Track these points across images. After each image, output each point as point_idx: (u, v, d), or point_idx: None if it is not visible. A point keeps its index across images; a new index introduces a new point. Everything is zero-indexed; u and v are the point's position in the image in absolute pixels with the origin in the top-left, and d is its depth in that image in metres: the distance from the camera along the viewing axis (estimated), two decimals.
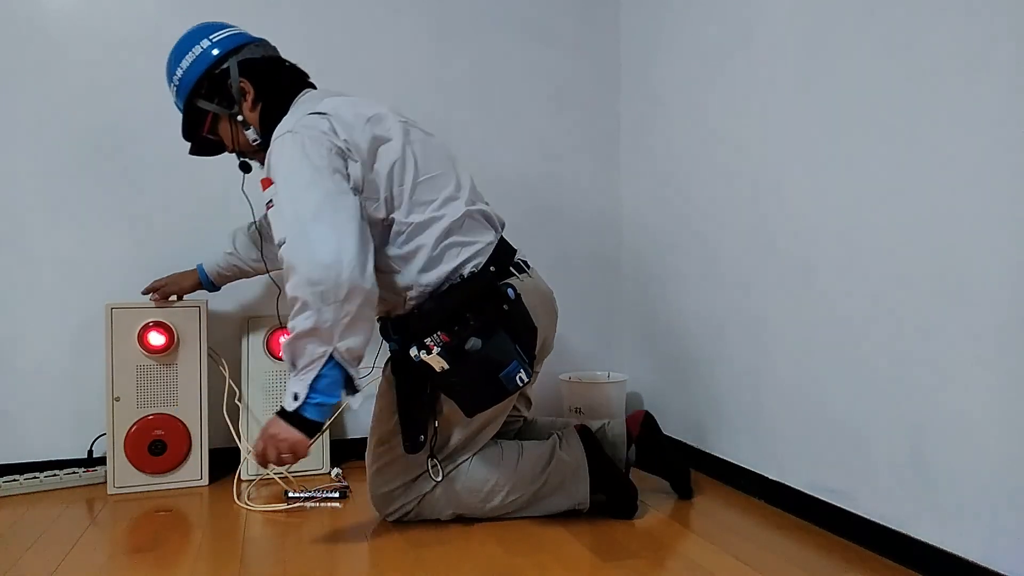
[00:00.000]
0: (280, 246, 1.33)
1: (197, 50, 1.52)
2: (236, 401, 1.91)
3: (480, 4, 2.22)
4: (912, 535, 1.29)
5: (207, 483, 1.84)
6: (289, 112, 1.49)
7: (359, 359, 1.37)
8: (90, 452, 1.89)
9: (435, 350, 1.36)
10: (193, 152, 1.66)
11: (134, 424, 1.79)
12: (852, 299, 1.41)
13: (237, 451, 1.88)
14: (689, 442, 1.97)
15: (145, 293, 1.83)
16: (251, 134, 1.54)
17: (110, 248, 1.93)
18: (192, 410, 1.84)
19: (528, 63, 2.26)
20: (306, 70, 2.04)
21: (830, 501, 1.48)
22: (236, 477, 1.85)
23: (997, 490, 1.15)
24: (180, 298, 1.86)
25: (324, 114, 1.41)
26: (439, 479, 1.50)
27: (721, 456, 1.83)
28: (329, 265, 1.29)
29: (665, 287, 2.08)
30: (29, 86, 1.86)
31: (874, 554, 1.37)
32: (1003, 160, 1.13)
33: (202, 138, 1.61)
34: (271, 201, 1.37)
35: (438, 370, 1.37)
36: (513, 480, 1.52)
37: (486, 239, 1.51)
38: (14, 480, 1.78)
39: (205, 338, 1.86)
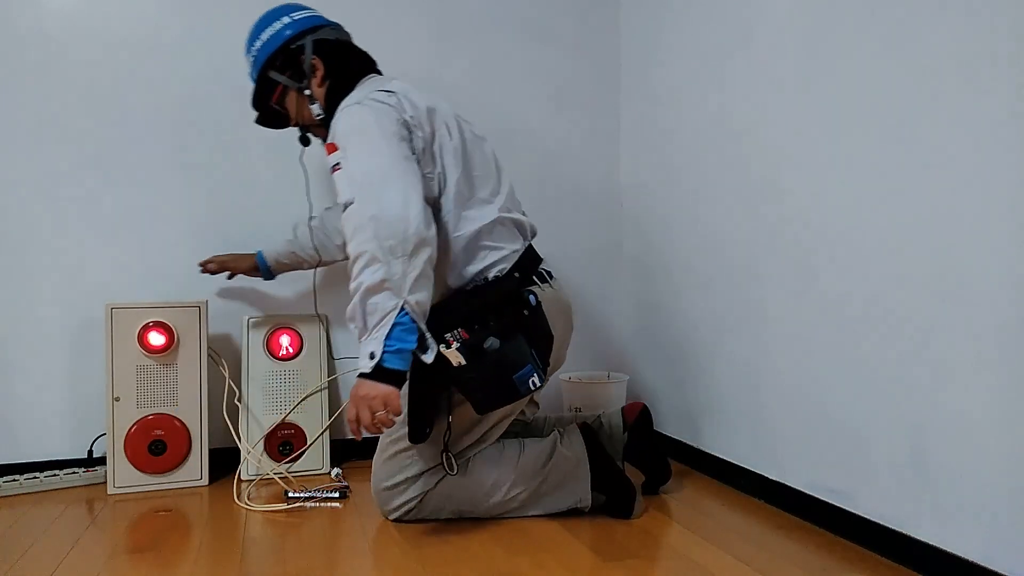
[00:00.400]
0: (347, 206, 1.36)
1: (277, 25, 1.60)
2: (236, 401, 1.91)
3: (480, 4, 2.22)
4: (912, 535, 1.29)
5: (207, 483, 1.84)
6: (355, 90, 1.55)
7: (426, 314, 1.37)
8: (90, 452, 1.89)
9: (454, 345, 1.38)
10: (258, 121, 1.72)
11: (134, 424, 1.79)
12: (852, 299, 1.41)
13: (237, 451, 1.88)
14: (689, 442, 1.97)
15: (202, 265, 1.90)
16: (315, 108, 1.61)
17: (110, 248, 1.93)
18: (192, 410, 1.84)
19: (528, 63, 2.26)
20: None
21: (830, 501, 1.48)
22: (236, 477, 1.85)
23: (997, 490, 1.15)
24: (231, 277, 1.95)
25: (392, 92, 1.48)
26: (453, 472, 1.50)
27: (721, 456, 1.83)
28: (398, 219, 1.32)
29: (665, 286, 2.08)
30: (30, 86, 1.86)
31: (874, 554, 1.37)
32: (1003, 160, 1.13)
33: (268, 108, 1.68)
34: (337, 164, 1.40)
35: (454, 364, 1.39)
36: (514, 476, 1.53)
37: (513, 247, 1.55)
38: (14, 480, 1.78)
39: (205, 338, 1.86)
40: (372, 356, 1.31)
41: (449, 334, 1.40)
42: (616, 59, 2.34)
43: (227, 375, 1.92)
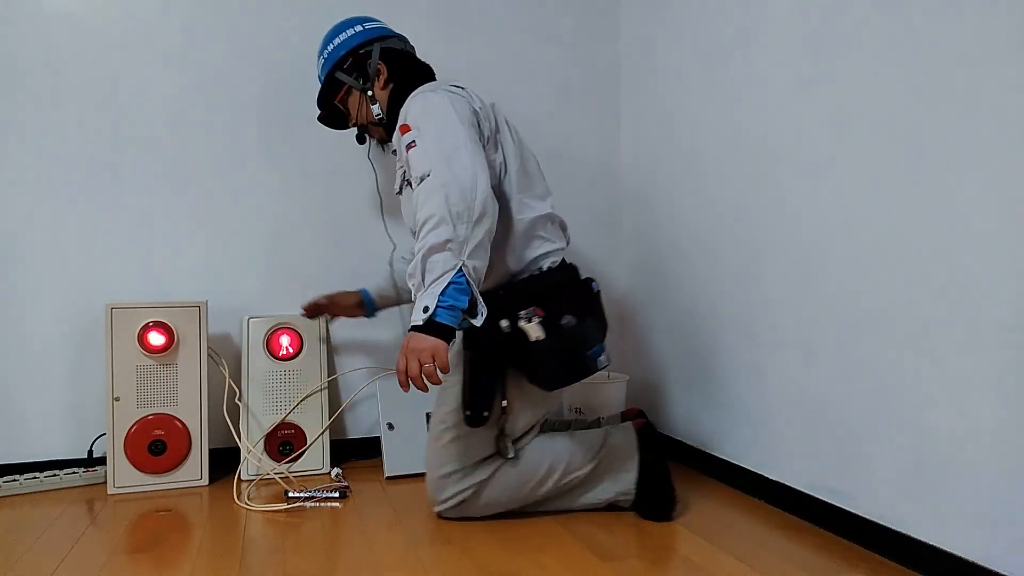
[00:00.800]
0: (421, 180, 1.41)
1: (351, 31, 1.75)
2: (236, 401, 1.91)
3: (480, 4, 2.22)
4: (912, 535, 1.30)
5: (207, 483, 1.84)
6: (415, 92, 1.62)
7: (480, 281, 1.42)
8: (90, 452, 1.89)
9: (534, 320, 1.44)
10: (321, 119, 1.86)
11: (134, 424, 1.79)
12: (853, 299, 1.41)
13: (237, 451, 1.88)
14: (689, 442, 1.97)
15: (306, 310, 1.94)
16: (376, 109, 1.74)
17: (110, 248, 1.93)
18: (192, 410, 1.84)
19: (528, 63, 2.26)
20: (306, 71, 2.06)
21: (830, 501, 1.48)
22: (236, 477, 1.85)
23: (997, 490, 1.15)
24: (332, 319, 2.01)
25: (462, 86, 1.60)
26: (510, 456, 1.53)
27: (721, 456, 1.83)
28: (468, 189, 1.38)
29: (665, 289, 2.08)
30: (30, 86, 1.86)
31: (874, 554, 1.37)
32: (1004, 159, 1.13)
33: (332, 106, 1.82)
34: (412, 142, 1.47)
35: (532, 339, 1.44)
36: (566, 462, 1.55)
37: (560, 244, 1.64)
38: (14, 480, 1.78)
39: (205, 338, 1.86)
40: (426, 310, 1.34)
41: (524, 311, 1.46)
42: (616, 59, 2.34)
43: (227, 375, 1.92)
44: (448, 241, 1.36)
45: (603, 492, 1.57)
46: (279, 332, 1.98)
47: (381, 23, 1.80)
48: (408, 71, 1.73)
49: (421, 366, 1.33)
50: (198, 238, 1.99)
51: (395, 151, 1.67)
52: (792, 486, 1.59)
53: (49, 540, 1.48)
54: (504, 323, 1.47)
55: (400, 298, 1.98)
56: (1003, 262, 1.13)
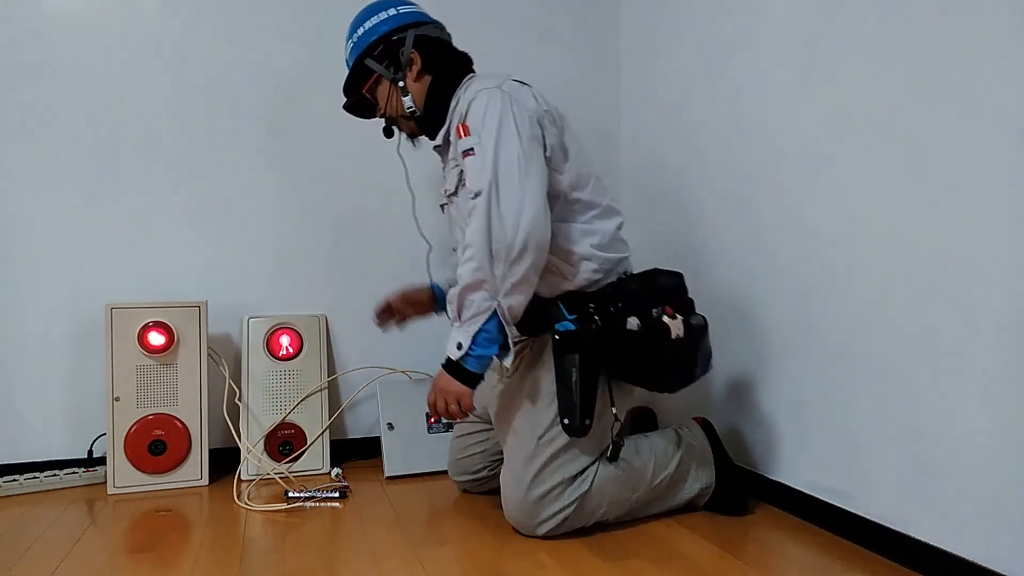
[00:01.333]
0: (475, 196, 1.39)
1: (383, 15, 1.59)
2: (236, 401, 1.91)
3: (480, 4, 2.22)
4: (912, 535, 1.29)
5: (207, 483, 1.84)
6: (468, 86, 1.54)
7: (516, 320, 1.42)
8: (90, 452, 1.89)
9: (678, 318, 1.43)
10: (347, 107, 1.70)
11: (134, 424, 1.79)
12: (852, 299, 1.41)
13: (237, 451, 1.88)
14: None
15: (381, 320, 1.82)
16: (407, 102, 1.60)
17: (110, 248, 1.93)
18: (192, 410, 1.84)
19: (528, 63, 2.25)
20: (306, 70, 2.06)
21: (830, 501, 1.48)
22: (236, 477, 1.85)
23: (997, 490, 1.15)
24: (403, 321, 1.84)
25: (525, 83, 1.53)
26: (617, 461, 1.49)
27: None
28: (511, 225, 1.36)
29: None
30: (30, 86, 1.86)
31: (874, 554, 1.37)
32: (1004, 159, 1.13)
33: (360, 96, 1.67)
34: (471, 150, 1.43)
35: (673, 336, 1.42)
36: (653, 465, 1.53)
37: (628, 251, 1.61)
38: (14, 480, 1.78)
39: (205, 338, 1.86)
40: (459, 347, 1.39)
41: (656, 309, 1.45)
42: (616, 59, 2.34)
43: (227, 375, 1.92)
44: (483, 281, 1.37)
45: (688, 491, 1.56)
46: (279, 332, 1.98)
47: (416, 7, 1.64)
48: (444, 62, 1.60)
49: (447, 406, 1.43)
50: (198, 238, 1.99)
51: (438, 145, 1.60)
52: (792, 486, 1.58)
53: (49, 540, 1.47)
54: (634, 322, 1.43)
55: None
56: (1004, 262, 1.13)
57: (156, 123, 1.95)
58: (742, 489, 1.61)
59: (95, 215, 1.91)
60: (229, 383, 1.91)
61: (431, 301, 1.83)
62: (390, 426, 1.96)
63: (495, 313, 1.38)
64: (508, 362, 1.43)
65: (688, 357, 1.48)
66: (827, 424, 1.48)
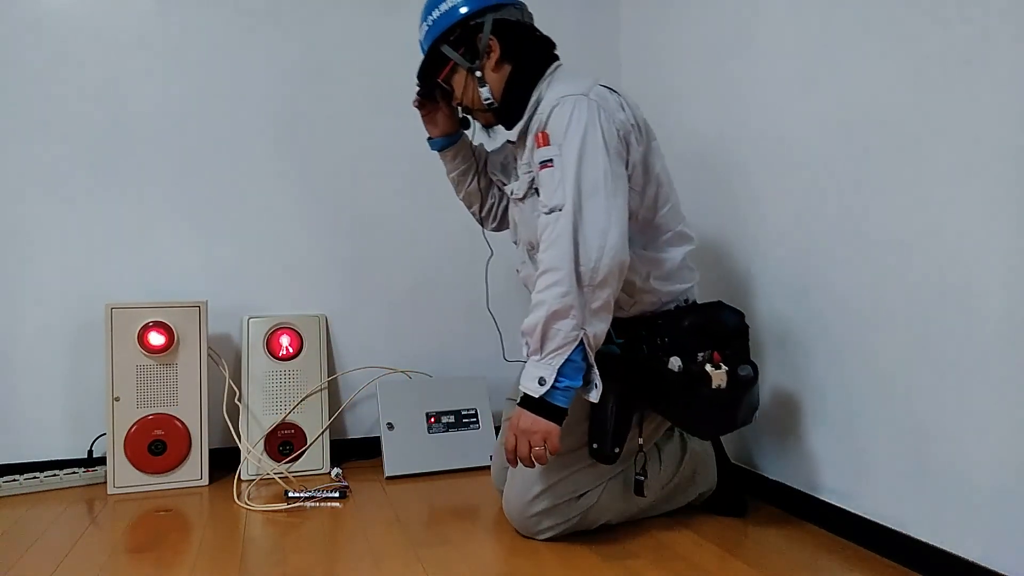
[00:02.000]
0: (551, 211, 1.30)
1: None
2: (236, 401, 1.91)
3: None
4: (912, 535, 1.29)
5: (207, 483, 1.84)
6: (553, 81, 1.45)
7: (598, 346, 1.33)
8: (90, 452, 1.89)
9: (722, 368, 1.35)
10: (420, 94, 1.61)
11: (134, 424, 1.79)
12: (852, 299, 1.41)
13: (237, 451, 1.88)
14: None
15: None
16: (484, 92, 1.47)
17: (110, 248, 1.92)
18: (192, 410, 1.84)
19: None
20: (305, 70, 2.06)
21: (830, 501, 1.48)
22: (236, 477, 1.85)
23: (997, 490, 1.15)
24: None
25: (614, 91, 1.41)
26: (644, 496, 1.44)
27: None
28: (596, 247, 1.28)
29: None
30: (30, 86, 1.86)
31: (874, 554, 1.37)
32: (1004, 159, 1.13)
33: (434, 84, 1.56)
34: (550, 161, 1.33)
35: (713, 386, 1.34)
36: (659, 474, 1.51)
37: (697, 275, 1.54)
38: (14, 480, 1.78)
39: (205, 338, 1.86)
40: (542, 382, 1.28)
41: (703, 353, 1.37)
42: (616, 59, 2.34)
43: (227, 375, 1.92)
44: (571, 308, 1.27)
45: (690, 494, 1.56)
46: (279, 332, 1.98)
47: None
48: (525, 49, 1.47)
49: (531, 447, 1.30)
50: (198, 238, 1.99)
51: (511, 140, 1.52)
52: (792, 486, 1.58)
53: (49, 540, 1.47)
54: (676, 362, 1.36)
55: (462, 169, 1.71)
56: (1003, 261, 1.13)
57: (156, 123, 1.95)
58: (742, 489, 1.61)
59: (95, 215, 1.91)
60: (229, 383, 1.91)
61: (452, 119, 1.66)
62: (390, 426, 1.96)
63: (580, 343, 1.28)
64: (595, 397, 1.31)
65: (727, 407, 1.39)
66: (827, 424, 1.48)
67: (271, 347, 1.97)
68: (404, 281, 2.17)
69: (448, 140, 1.69)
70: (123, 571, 1.32)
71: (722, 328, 1.42)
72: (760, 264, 1.68)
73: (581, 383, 1.31)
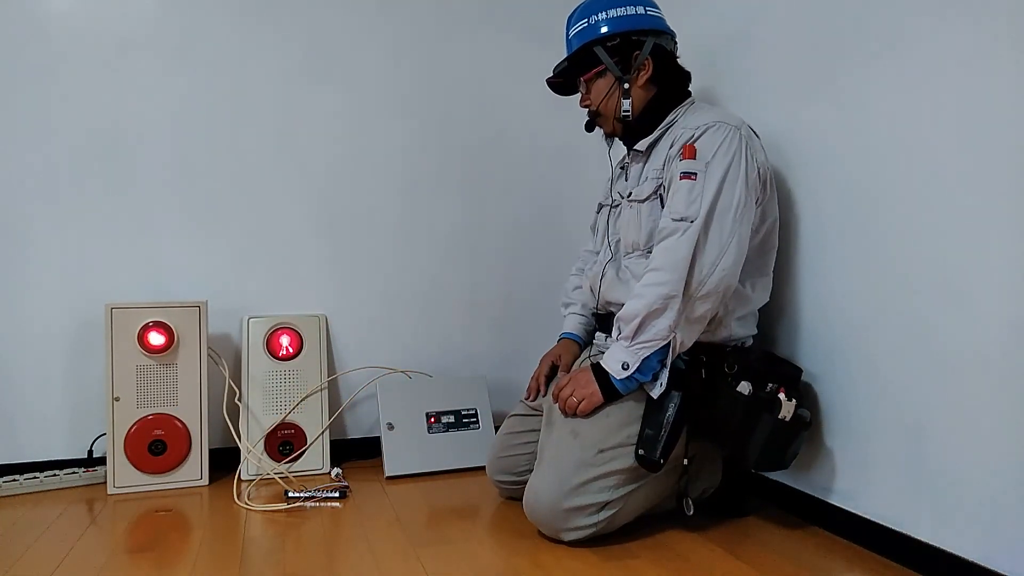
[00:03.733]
0: (679, 220, 1.38)
1: (631, 10, 1.54)
2: (236, 401, 1.91)
3: (480, 4, 2.22)
4: (912, 535, 1.29)
5: (207, 483, 1.84)
6: (691, 111, 1.54)
7: (679, 354, 1.42)
8: (90, 452, 1.89)
9: (793, 400, 1.39)
10: (552, 81, 1.67)
11: (134, 424, 1.79)
12: (852, 299, 1.41)
13: (237, 451, 1.88)
14: None
15: (534, 396, 1.72)
16: (626, 104, 1.55)
17: (110, 248, 1.92)
18: (192, 410, 1.84)
19: (528, 63, 2.26)
20: (305, 70, 2.06)
21: (830, 501, 1.48)
22: (236, 477, 1.85)
23: (997, 490, 1.15)
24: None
25: (756, 134, 1.51)
26: (691, 514, 1.47)
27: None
28: (709, 264, 1.37)
29: None
30: (30, 86, 1.86)
31: (874, 554, 1.37)
32: (1004, 159, 1.13)
33: (573, 81, 1.62)
34: (693, 174, 1.40)
35: (779, 415, 1.37)
36: (674, 470, 1.51)
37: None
38: (14, 480, 1.78)
39: (205, 338, 1.86)
40: (625, 367, 1.39)
41: (771, 384, 1.41)
42: None
43: (227, 375, 1.92)
44: (666, 310, 1.36)
45: (695, 490, 1.56)
46: (279, 332, 1.98)
47: (659, 11, 1.59)
48: (672, 77, 1.57)
49: (574, 399, 1.44)
50: (198, 238, 1.99)
51: (638, 151, 1.56)
52: (792, 486, 1.59)
53: (49, 540, 1.47)
54: (747, 387, 1.39)
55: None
56: (1004, 261, 1.13)
57: (156, 123, 1.95)
58: (742, 489, 1.61)
59: (95, 215, 1.91)
60: (229, 383, 1.91)
61: (578, 352, 1.74)
62: (390, 426, 1.96)
63: (668, 343, 1.37)
64: (656, 393, 1.40)
65: (783, 442, 1.41)
66: (827, 424, 1.48)
67: (271, 347, 1.97)
68: (404, 281, 2.17)
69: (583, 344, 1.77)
70: (123, 571, 1.32)
71: (783, 371, 1.48)
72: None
73: (650, 379, 1.41)
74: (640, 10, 1.54)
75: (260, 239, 2.04)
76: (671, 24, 1.60)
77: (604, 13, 1.54)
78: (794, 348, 1.57)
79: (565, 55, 1.62)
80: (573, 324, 1.78)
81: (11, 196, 1.86)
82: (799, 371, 1.50)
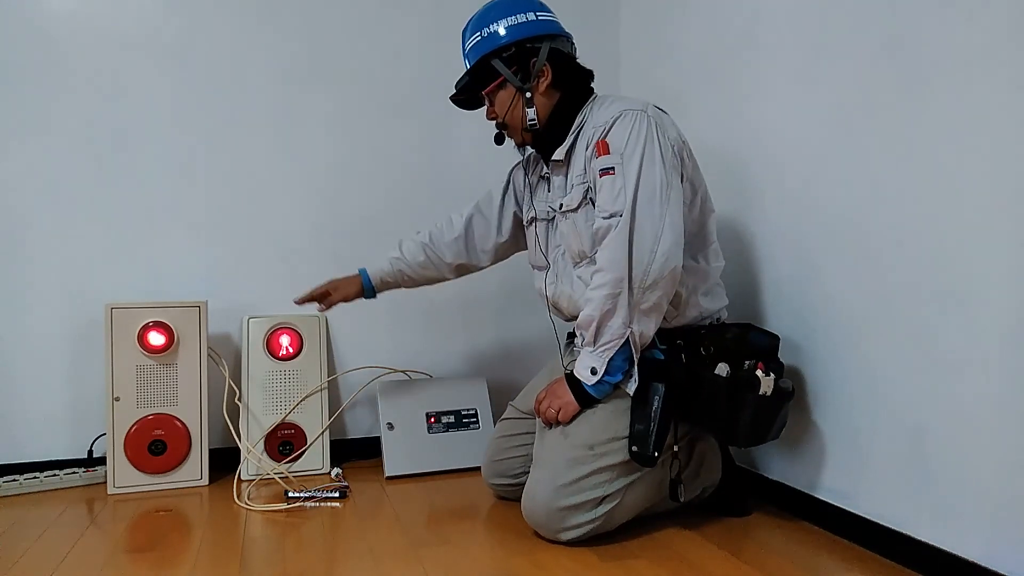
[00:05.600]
0: (611, 216, 1.39)
1: (522, 18, 1.52)
2: (236, 401, 1.91)
3: (479, 4, 2.22)
4: (912, 535, 1.29)
5: (207, 483, 1.84)
6: (596, 106, 1.52)
7: (645, 345, 1.42)
8: (90, 452, 1.89)
9: (771, 375, 1.40)
10: (456, 99, 1.65)
11: (134, 424, 1.79)
12: (852, 299, 1.41)
13: (237, 451, 1.88)
14: None
15: (302, 302, 1.80)
16: (531, 113, 1.54)
17: (110, 248, 1.92)
18: (192, 410, 1.84)
19: None
20: (305, 70, 2.06)
21: (830, 501, 1.48)
22: (236, 477, 1.85)
23: (997, 490, 1.15)
24: (328, 307, 1.84)
25: (664, 111, 1.50)
26: (682, 500, 1.48)
27: None
28: (647, 251, 1.36)
29: None
30: (30, 86, 1.86)
31: (874, 554, 1.37)
32: (1004, 160, 1.13)
33: (476, 96, 1.61)
34: (611, 169, 1.40)
35: (760, 392, 1.38)
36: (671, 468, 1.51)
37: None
38: (14, 480, 1.78)
39: (205, 338, 1.86)
40: (594, 372, 1.40)
41: (748, 362, 1.42)
42: (616, 59, 2.34)
43: (227, 375, 1.92)
44: (620, 307, 1.37)
45: (695, 488, 1.56)
46: (279, 332, 1.98)
47: (552, 15, 1.57)
48: (573, 79, 1.55)
49: (552, 410, 1.46)
50: (198, 238, 1.99)
51: (556, 160, 1.54)
52: (792, 486, 1.59)
53: (49, 540, 1.48)
54: (724, 368, 1.40)
55: (402, 282, 1.84)
56: (1004, 262, 1.13)
57: (156, 123, 1.95)
58: (742, 489, 1.61)
59: (95, 215, 1.91)
60: (229, 383, 1.91)
61: (359, 291, 1.83)
62: (390, 426, 1.96)
63: (627, 340, 1.38)
64: (631, 389, 1.41)
65: (768, 417, 1.43)
66: (827, 424, 1.48)
67: (271, 347, 1.97)
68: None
69: (371, 292, 1.84)
70: (123, 571, 1.32)
71: (760, 344, 1.48)
72: (759, 263, 1.68)
73: (620, 379, 1.41)
74: (531, 16, 1.52)
75: (260, 239, 2.04)
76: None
77: (495, 24, 1.52)
78: (793, 347, 1.57)
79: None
80: (377, 267, 1.82)
81: (11, 196, 1.86)
82: (776, 339, 1.50)
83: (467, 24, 1.60)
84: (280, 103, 2.04)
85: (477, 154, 2.22)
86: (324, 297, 1.82)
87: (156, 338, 1.80)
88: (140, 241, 1.95)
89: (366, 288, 1.83)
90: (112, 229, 1.93)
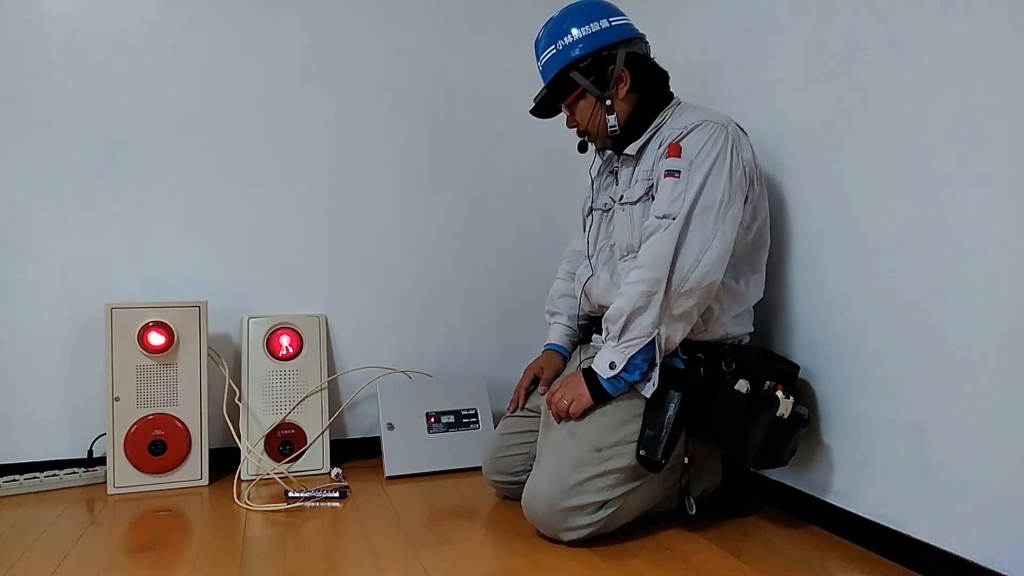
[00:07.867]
0: (663, 217, 1.39)
1: (595, 26, 1.50)
2: (236, 401, 1.91)
3: (480, 4, 2.22)
4: (912, 535, 1.29)
5: (207, 483, 1.84)
6: (678, 111, 1.52)
7: (671, 350, 1.42)
8: (90, 452, 1.89)
9: (791, 398, 1.39)
10: (537, 112, 1.64)
11: (134, 424, 1.79)
12: (852, 299, 1.41)
13: (237, 451, 1.88)
14: None
15: (517, 407, 1.71)
16: (611, 120, 1.53)
17: (110, 248, 1.92)
18: (192, 410, 1.84)
19: (528, 63, 2.25)
20: (305, 70, 2.06)
21: (830, 501, 1.48)
22: (236, 477, 1.85)
23: (997, 490, 1.15)
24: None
25: (745, 132, 1.50)
26: (693, 512, 1.48)
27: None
28: (691, 259, 1.37)
29: None
30: (30, 86, 1.86)
31: (874, 554, 1.37)
32: (1004, 160, 1.13)
33: (555, 108, 1.62)
34: (677, 172, 1.40)
35: (778, 413, 1.38)
36: (674, 470, 1.51)
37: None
38: (14, 480, 1.78)
39: (205, 338, 1.86)
40: (612, 367, 1.39)
41: (769, 382, 1.42)
42: None
43: (227, 375, 1.92)
44: (648, 307, 1.36)
45: (696, 489, 1.56)
46: (279, 332, 1.98)
47: (626, 18, 1.55)
48: (651, 82, 1.54)
49: (564, 402, 1.45)
50: (198, 238, 1.99)
51: (627, 155, 1.53)
52: (792, 486, 1.58)
53: (49, 540, 1.48)
54: (744, 385, 1.40)
55: (579, 327, 1.77)
56: (1004, 262, 1.13)
57: (156, 123, 1.95)
58: (742, 489, 1.61)
59: (95, 215, 1.91)
60: (229, 383, 1.91)
61: (560, 357, 1.74)
62: (390, 426, 1.96)
63: (652, 341, 1.37)
64: (648, 392, 1.40)
65: (780, 440, 1.41)
66: (827, 424, 1.48)
67: (271, 347, 1.97)
68: (404, 281, 2.17)
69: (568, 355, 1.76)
70: (123, 571, 1.32)
71: (780, 368, 1.48)
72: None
73: (639, 378, 1.40)
74: (605, 23, 1.50)
75: (260, 239, 2.04)
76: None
77: (568, 36, 1.50)
78: (793, 348, 1.57)
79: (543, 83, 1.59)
80: (558, 335, 1.76)
81: (11, 196, 1.86)
82: (796, 368, 1.50)
83: (539, 35, 1.58)
84: (281, 102, 2.04)
85: (477, 154, 2.22)
86: (536, 380, 1.72)
87: (156, 338, 1.80)
88: (140, 241, 1.95)
89: (566, 356, 1.74)
90: (112, 229, 1.93)
